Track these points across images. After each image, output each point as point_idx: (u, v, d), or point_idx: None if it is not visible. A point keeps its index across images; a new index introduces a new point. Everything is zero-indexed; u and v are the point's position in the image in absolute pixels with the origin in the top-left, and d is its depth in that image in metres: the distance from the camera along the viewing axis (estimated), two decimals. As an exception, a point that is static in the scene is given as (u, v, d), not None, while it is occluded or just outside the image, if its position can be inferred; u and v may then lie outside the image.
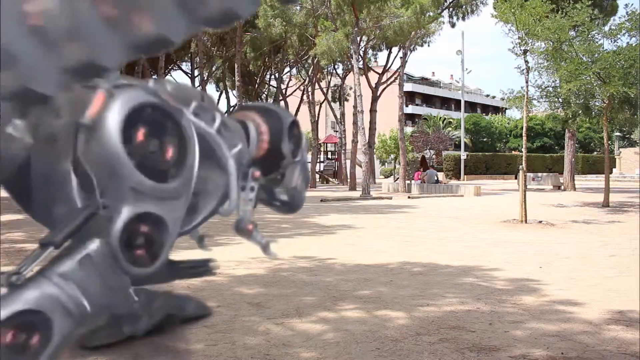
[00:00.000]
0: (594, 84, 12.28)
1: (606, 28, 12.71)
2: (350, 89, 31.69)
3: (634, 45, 12.23)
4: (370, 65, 30.91)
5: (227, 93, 35.34)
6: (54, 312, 1.52)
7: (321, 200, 15.47)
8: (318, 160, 33.21)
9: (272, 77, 35.11)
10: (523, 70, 10.87)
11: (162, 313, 2.77)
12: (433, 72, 69.12)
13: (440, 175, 28.73)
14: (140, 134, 1.65)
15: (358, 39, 19.92)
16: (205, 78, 30.12)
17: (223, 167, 2.28)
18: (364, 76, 24.39)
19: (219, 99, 35.00)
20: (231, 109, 31.63)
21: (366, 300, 3.82)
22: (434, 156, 33.52)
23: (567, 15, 11.22)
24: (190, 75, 34.13)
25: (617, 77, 11.43)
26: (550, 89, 13.22)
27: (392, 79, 28.78)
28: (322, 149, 37.27)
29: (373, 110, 28.12)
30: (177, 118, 1.94)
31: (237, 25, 26.39)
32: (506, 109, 57.99)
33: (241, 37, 26.56)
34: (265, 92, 36.64)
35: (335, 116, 33.16)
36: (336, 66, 33.05)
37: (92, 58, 1.28)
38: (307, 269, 5.11)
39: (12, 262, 5.31)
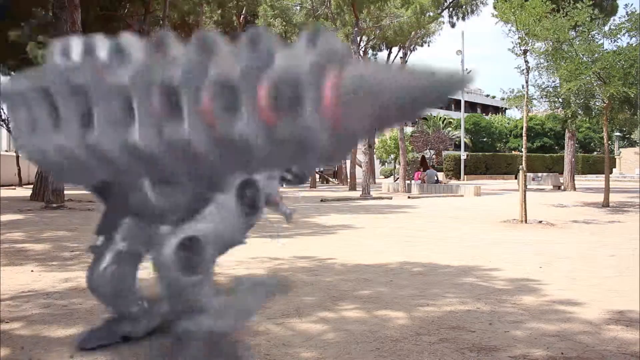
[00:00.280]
0: (594, 84, 12.29)
1: (606, 28, 12.71)
2: (350, 89, 31.65)
3: (634, 45, 12.24)
4: (370, 65, 30.84)
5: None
6: (203, 238, 2.19)
7: (321, 200, 15.47)
8: (318, 160, 33.14)
9: (272, 77, 35.12)
10: (523, 70, 10.88)
11: (162, 318, 2.84)
12: (433, 72, 69.04)
13: (440, 175, 28.73)
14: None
15: (358, 39, 19.91)
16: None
17: None
18: (364, 76, 24.35)
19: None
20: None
21: (366, 300, 3.82)
22: (434, 156, 33.46)
23: (568, 15, 11.23)
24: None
25: (617, 77, 11.44)
26: (550, 89, 13.23)
27: (392, 79, 28.73)
28: (322, 149, 37.21)
29: (373, 110, 28.09)
30: None
31: (237, 25, 26.39)
32: (506, 109, 58.04)
33: (241, 37, 26.53)
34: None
35: (335, 116, 33.11)
36: (336, 66, 33.03)
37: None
38: (307, 269, 5.11)
39: (12, 262, 5.32)
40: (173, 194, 2.21)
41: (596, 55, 11.87)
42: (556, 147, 46.95)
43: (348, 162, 26.72)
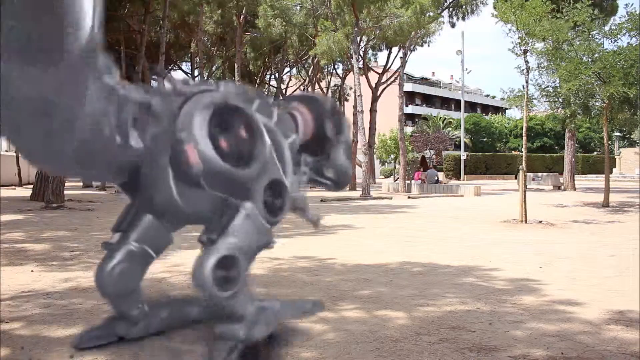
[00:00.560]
0: (594, 84, 12.29)
1: (606, 28, 12.71)
2: (350, 89, 31.69)
3: (634, 45, 12.24)
4: (370, 65, 30.89)
5: (227, 93, 35.29)
6: (239, 253, 2.34)
7: (321, 200, 15.47)
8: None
9: (272, 77, 35.11)
10: (523, 70, 10.87)
11: (161, 327, 2.90)
12: (433, 72, 69.19)
13: (440, 175, 28.73)
14: (224, 137, 2.31)
15: (358, 39, 19.91)
16: (205, 78, 30.11)
17: (280, 155, 2.68)
18: (363, 76, 24.39)
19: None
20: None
21: (366, 300, 3.82)
22: (434, 156, 33.43)
23: (567, 15, 11.22)
24: (190, 75, 34.12)
25: (617, 77, 11.43)
26: (550, 88, 13.22)
27: (392, 79, 28.77)
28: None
29: (373, 110, 28.10)
30: (248, 114, 2.50)
31: (237, 25, 26.39)
32: (506, 109, 58.07)
33: (241, 37, 26.55)
34: (265, 92, 36.66)
35: (335, 116, 33.08)
36: (336, 66, 33.07)
37: None
38: (307, 269, 5.11)
39: (12, 262, 5.31)
40: (198, 196, 2.36)
41: (596, 55, 11.87)
42: (556, 147, 46.96)
43: (348, 162, 26.65)
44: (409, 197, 17.83)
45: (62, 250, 6.08)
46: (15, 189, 19.05)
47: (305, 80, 33.13)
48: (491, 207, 13.44)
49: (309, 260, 5.58)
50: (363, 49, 27.20)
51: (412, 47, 26.33)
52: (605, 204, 13.40)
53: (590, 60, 11.88)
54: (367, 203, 15.40)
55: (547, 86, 13.19)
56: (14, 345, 2.77)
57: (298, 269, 5.06)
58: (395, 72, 27.83)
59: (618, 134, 43.34)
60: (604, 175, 14.62)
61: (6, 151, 22.02)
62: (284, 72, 34.91)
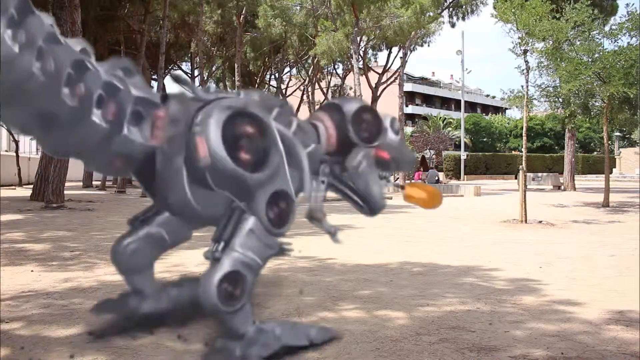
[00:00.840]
0: (594, 84, 12.29)
1: (606, 28, 12.72)
2: (350, 89, 31.69)
3: (634, 45, 12.24)
4: (370, 65, 30.87)
5: (227, 93, 35.28)
6: (244, 269, 2.36)
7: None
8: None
9: (272, 77, 35.10)
10: (523, 70, 10.87)
11: (170, 304, 3.00)
12: (433, 72, 69.18)
13: (441, 175, 28.74)
14: (237, 140, 2.34)
15: (358, 39, 19.92)
16: (205, 78, 30.11)
17: (298, 164, 2.67)
18: (363, 76, 24.38)
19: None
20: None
21: (366, 300, 3.82)
22: (434, 156, 33.49)
23: (566, 16, 11.22)
24: (190, 75, 34.10)
25: (617, 77, 11.43)
26: (550, 89, 13.22)
27: (392, 79, 28.75)
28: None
29: (373, 110, 28.05)
30: (264, 122, 2.52)
31: (237, 25, 26.38)
32: (506, 108, 58.07)
33: (241, 37, 26.54)
34: (265, 92, 36.66)
35: (335, 116, 33.08)
36: (336, 66, 33.07)
37: None
38: (307, 269, 5.11)
39: (12, 262, 5.31)
40: (212, 199, 2.44)
41: (596, 55, 11.87)
42: (556, 147, 46.95)
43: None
44: (409, 197, 17.80)
45: (62, 250, 6.08)
46: (15, 189, 19.05)
47: (305, 80, 33.13)
48: (491, 207, 13.44)
49: (309, 260, 5.58)
50: (363, 49, 27.19)
51: (412, 47, 26.34)
52: (605, 204, 13.40)
53: (590, 60, 11.87)
54: (367, 203, 15.37)
55: (547, 86, 13.20)
56: (14, 345, 2.76)
57: (298, 269, 5.05)
58: (395, 72, 27.82)
59: (618, 134, 43.30)
60: (604, 175, 14.62)
61: (6, 151, 22.00)
62: (284, 72, 34.91)
